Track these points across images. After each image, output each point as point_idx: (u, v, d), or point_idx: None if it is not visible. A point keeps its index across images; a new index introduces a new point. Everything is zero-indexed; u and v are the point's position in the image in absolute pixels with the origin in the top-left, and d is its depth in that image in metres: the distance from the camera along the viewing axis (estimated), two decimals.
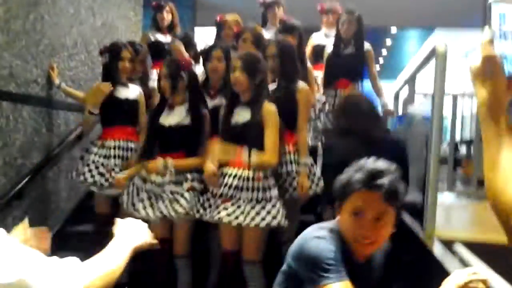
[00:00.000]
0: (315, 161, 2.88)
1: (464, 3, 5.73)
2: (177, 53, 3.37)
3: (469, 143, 5.76)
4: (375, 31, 7.78)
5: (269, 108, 2.41)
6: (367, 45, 3.52)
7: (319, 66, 3.74)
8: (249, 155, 2.36)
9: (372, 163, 1.37)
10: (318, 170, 2.73)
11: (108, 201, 3.01)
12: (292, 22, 3.30)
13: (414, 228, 2.40)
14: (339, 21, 3.48)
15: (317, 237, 1.36)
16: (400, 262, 1.43)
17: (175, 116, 2.61)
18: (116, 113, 3.01)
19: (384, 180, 1.31)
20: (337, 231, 1.36)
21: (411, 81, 4.01)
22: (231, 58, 2.66)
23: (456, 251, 2.02)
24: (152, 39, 3.98)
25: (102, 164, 2.93)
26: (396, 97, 4.72)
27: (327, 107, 3.53)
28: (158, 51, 3.97)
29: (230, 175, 2.40)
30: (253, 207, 2.35)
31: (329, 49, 3.62)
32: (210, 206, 2.47)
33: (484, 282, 1.13)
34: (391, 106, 3.88)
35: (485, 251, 1.69)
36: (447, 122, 4.95)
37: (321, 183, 2.68)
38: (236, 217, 2.34)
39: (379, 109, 3.24)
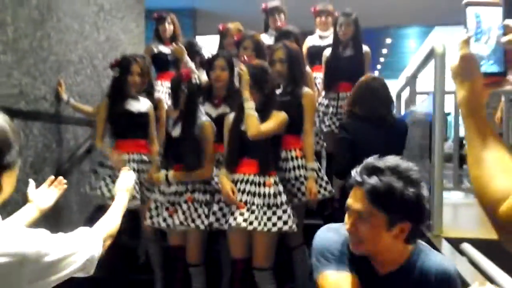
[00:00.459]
0: (321, 165, 2.92)
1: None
2: (179, 55, 3.41)
3: None
4: (375, 29, 7.82)
5: (282, 115, 2.48)
6: (365, 47, 3.55)
7: (316, 68, 3.77)
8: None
9: (374, 158, 1.27)
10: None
11: (125, 214, 3.04)
12: (287, 28, 3.35)
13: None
14: (336, 23, 3.50)
15: (328, 228, 1.40)
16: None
17: (178, 128, 2.68)
18: (128, 126, 3.04)
19: (372, 179, 1.21)
20: None
21: (412, 80, 4.05)
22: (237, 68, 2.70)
23: (464, 250, 2.04)
24: (155, 50, 4.04)
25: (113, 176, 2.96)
26: (398, 96, 4.75)
27: (331, 110, 3.56)
28: (161, 63, 4.04)
29: (241, 181, 2.45)
30: (264, 213, 2.39)
31: (326, 51, 3.64)
32: (224, 215, 2.51)
33: None
34: None
35: (493, 250, 1.69)
36: (451, 119, 4.97)
37: (329, 187, 2.71)
38: (251, 223, 2.37)
39: None
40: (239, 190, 2.43)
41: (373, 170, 1.23)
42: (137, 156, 3.04)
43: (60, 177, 1.67)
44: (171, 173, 2.60)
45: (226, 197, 2.44)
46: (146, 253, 3.21)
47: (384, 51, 12.06)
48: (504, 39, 0.75)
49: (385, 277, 1.29)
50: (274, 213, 2.39)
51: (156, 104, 3.40)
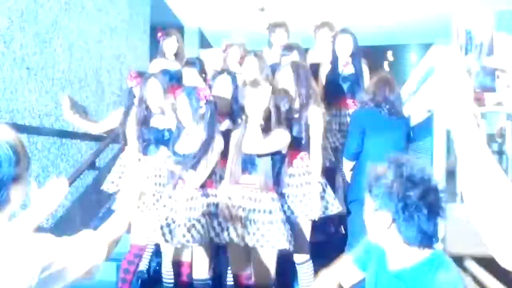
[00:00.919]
0: (329, 181, 2.91)
1: None
2: (192, 80, 3.40)
3: None
4: (376, 46, 7.88)
5: (283, 131, 2.49)
6: (362, 64, 3.57)
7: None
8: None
9: (377, 168, 1.35)
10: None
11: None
12: (290, 43, 3.36)
13: None
14: (335, 40, 3.51)
15: None
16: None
17: (190, 145, 2.67)
18: (157, 142, 2.97)
19: (374, 182, 1.32)
20: None
21: (412, 96, 4.06)
22: (243, 84, 2.71)
23: (467, 267, 2.02)
24: (160, 67, 4.09)
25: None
26: None
27: (333, 126, 3.56)
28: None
29: (238, 196, 2.46)
30: (258, 229, 2.39)
31: (325, 67, 3.66)
32: (222, 230, 2.51)
33: None
34: None
35: (497, 267, 1.68)
36: None
37: (336, 203, 2.71)
38: (243, 238, 2.38)
39: None
40: (235, 205, 2.45)
41: (375, 178, 1.33)
42: (164, 171, 3.02)
43: (62, 178, 1.66)
44: (168, 161, 2.58)
45: (222, 210, 2.45)
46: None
47: (386, 67, 12.14)
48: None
49: (394, 273, 1.34)
50: (268, 230, 2.38)
51: None
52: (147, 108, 2.98)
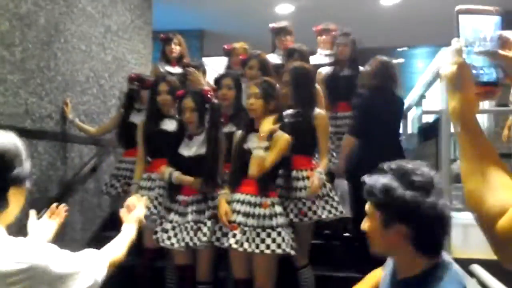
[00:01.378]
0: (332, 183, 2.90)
1: None
2: (196, 83, 3.38)
3: None
4: (382, 49, 7.85)
5: (283, 136, 2.45)
6: (361, 68, 3.55)
7: None
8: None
9: (379, 178, 1.27)
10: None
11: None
12: (293, 46, 3.36)
13: None
14: (335, 43, 3.52)
15: None
16: None
17: (194, 147, 2.64)
18: (165, 146, 2.91)
19: (372, 178, 1.25)
20: None
21: (419, 100, 4.03)
22: (247, 85, 2.70)
23: (473, 272, 1.98)
24: (162, 70, 4.07)
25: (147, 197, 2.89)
26: (405, 116, 4.72)
27: (330, 129, 3.53)
28: None
29: (238, 201, 2.42)
30: (258, 234, 2.35)
31: (322, 70, 3.64)
32: (223, 235, 2.48)
33: None
34: None
35: (503, 271, 1.63)
36: None
37: (340, 208, 2.68)
38: (242, 244, 2.34)
39: None
40: (234, 210, 2.40)
41: (377, 172, 1.25)
42: None
43: (62, 205, 1.66)
44: (176, 174, 2.57)
45: (220, 217, 2.42)
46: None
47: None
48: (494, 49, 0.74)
49: (401, 282, 1.29)
50: (268, 235, 2.35)
51: None
52: (157, 111, 2.97)
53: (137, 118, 3.33)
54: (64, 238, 3.47)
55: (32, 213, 1.57)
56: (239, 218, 2.38)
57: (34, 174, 3.06)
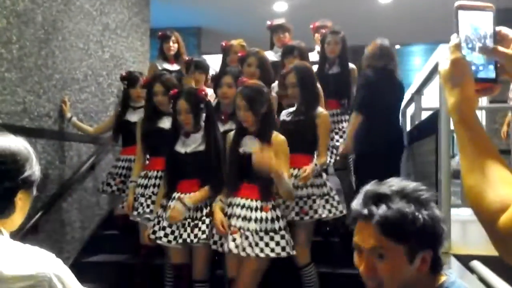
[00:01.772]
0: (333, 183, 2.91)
1: None
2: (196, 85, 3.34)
3: None
4: None
5: (279, 139, 2.43)
6: (351, 65, 3.54)
7: None
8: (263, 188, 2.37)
9: (374, 185, 1.10)
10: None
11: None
12: (292, 44, 3.34)
13: None
14: (324, 41, 3.49)
15: None
16: None
17: (191, 144, 2.63)
18: (162, 144, 2.88)
19: (381, 208, 1.05)
20: None
21: (417, 97, 4.02)
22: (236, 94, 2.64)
23: (473, 268, 1.98)
24: (160, 68, 4.06)
25: (142, 195, 2.87)
26: (403, 113, 4.72)
27: None
28: None
29: (237, 205, 2.41)
30: (261, 238, 2.33)
31: (314, 67, 3.64)
32: (220, 238, 2.47)
33: None
34: None
35: (503, 267, 1.63)
36: None
37: (340, 207, 2.68)
38: (244, 249, 2.32)
39: None
40: (234, 214, 2.39)
41: (379, 198, 1.06)
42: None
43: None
44: (187, 198, 2.53)
45: (216, 228, 2.40)
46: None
47: None
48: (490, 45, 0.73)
49: None
50: (271, 238, 2.34)
51: None
52: (153, 109, 2.95)
53: (133, 116, 3.32)
54: (63, 236, 3.46)
55: None
56: (239, 223, 2.37)
57: None
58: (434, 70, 3.22)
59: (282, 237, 2.36)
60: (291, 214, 2.60)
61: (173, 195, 2.60)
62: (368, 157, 3.06)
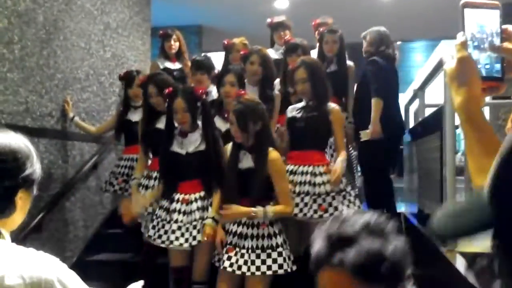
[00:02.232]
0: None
1: None
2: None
3: None
4: None
5: (274, 156, 2.37)
6: (349, 62, 3.53)
7: None
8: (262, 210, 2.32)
9: (334, 225, 0.96)
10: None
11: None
12: (295, 41, 3.33)
13: (435, 242, 2.37)
14: (322, 40, 3.48)
15: None
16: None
17: (191, 144, 2.59)
18: (161, 144, 2.81)
19: (351, 252, 0.91)
20: None
21: (420, 93, 4.02)
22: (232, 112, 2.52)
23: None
24: (161, 67, 4.05)
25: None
26: (406, 110, 4.72)
27: None
28: None
29: (233, 222, 2.38)
30: (258, 256, 2.29)
31: None
32: (218, 253, 2.44)
33: None
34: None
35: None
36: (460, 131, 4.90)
37: (357, 202, 2.67)
38: (239, 267, 2.29)
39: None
40: (230, 231, 2.37)
41: (345, 242, 0.93)
42: None
43: None
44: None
45: (217, 247, 2.39)
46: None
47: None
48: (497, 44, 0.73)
49: None
50: (269, 255, 2.30)
51: None
52: (151, 110, 2.93)
53: (134, 116, 3.31)
54: (66, 235, 3.46)
55: None
56: (235, 240, 2.34)
57: None
58: (437, 67, 3.21)
59: (280, 254, 2.30)
60: (309, 212, 2.55)
61: (176, 197, 2.56)
62: (382, 140, 3.23)
